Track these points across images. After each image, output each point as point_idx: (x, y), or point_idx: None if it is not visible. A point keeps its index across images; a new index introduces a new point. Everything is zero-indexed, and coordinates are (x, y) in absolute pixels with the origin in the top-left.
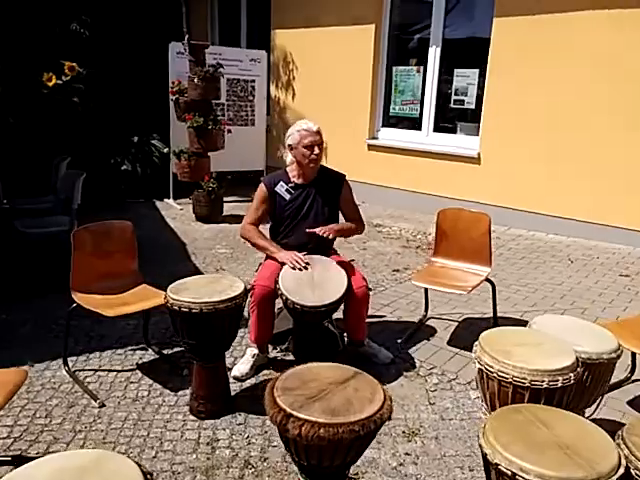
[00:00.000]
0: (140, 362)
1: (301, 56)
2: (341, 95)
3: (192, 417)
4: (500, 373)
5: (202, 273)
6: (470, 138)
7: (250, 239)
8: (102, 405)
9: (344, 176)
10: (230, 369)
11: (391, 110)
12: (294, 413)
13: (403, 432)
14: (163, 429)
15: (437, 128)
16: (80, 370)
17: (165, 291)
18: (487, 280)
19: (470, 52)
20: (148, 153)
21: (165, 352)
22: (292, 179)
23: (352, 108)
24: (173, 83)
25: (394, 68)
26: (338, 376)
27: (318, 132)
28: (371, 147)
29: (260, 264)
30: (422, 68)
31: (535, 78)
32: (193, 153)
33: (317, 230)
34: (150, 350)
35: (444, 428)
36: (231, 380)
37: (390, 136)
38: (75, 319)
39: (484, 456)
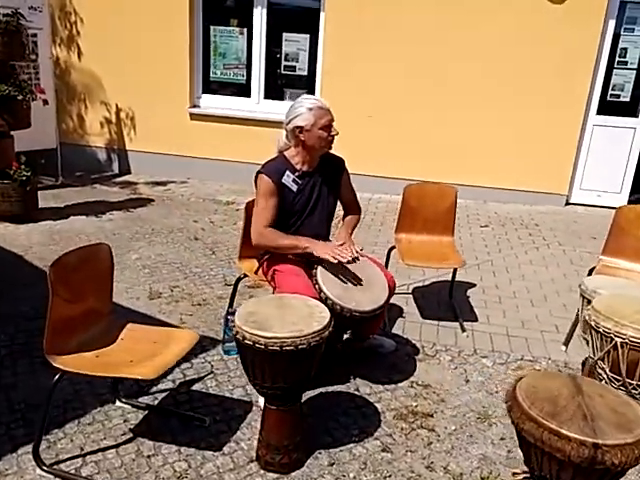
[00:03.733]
0: (132, 426)
1: (88, 6)
2: (152, 57)
3: (273, 474)
4: None
5: None
6: None
7: (272, 243)
8: None
9: (344, 160)
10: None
11: (212, 75)
12: (600, 442)
13: (478, 418)
14: None
15: (268, 95)
16: (58, 462)
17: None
18: None
19: (300, 17)
20: None
21: (151, 403)
22: (296, 166)
23: (168, 72)
24: None
25: (212, 28)
26: (566, 385)
27: (330, 109)
28: (194, 116)
29: (274, 270)
30: (246, 30)
31: (370, 45)
32: None
33: (349, 254)
34: (127, 406)
35: (501, 402)
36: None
37: (215, 104)
38: None
39: None
